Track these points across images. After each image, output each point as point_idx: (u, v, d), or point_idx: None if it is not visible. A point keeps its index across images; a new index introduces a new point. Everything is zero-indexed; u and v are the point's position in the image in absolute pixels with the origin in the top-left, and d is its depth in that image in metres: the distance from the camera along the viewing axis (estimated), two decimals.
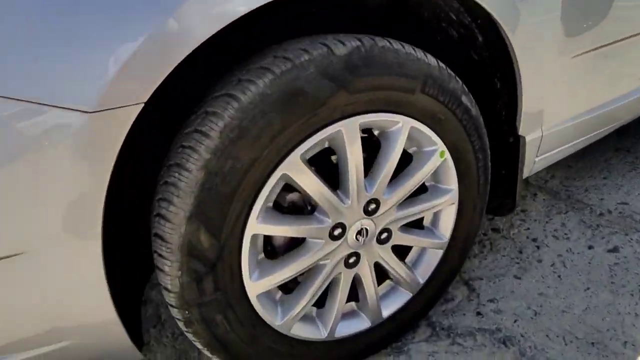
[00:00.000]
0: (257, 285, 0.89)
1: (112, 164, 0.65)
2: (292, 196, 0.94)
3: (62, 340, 0.78)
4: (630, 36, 1.26)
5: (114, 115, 0.61)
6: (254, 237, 0.85)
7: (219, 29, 0.67)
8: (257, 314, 0.92)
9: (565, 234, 1.57)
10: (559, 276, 1.40)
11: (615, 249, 1.48)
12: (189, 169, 0.74)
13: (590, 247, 1.50)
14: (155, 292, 1.61)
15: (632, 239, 1.52)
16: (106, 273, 0.74)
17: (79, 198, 0.66)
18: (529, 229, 1.61)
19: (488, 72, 1.06)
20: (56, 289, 0.73)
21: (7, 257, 0.65)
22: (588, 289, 1.35)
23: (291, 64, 0.75)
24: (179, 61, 0.65)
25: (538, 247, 1.52)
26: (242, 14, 0.68)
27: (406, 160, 1.00)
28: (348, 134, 0.85)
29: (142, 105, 0.63)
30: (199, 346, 0.92)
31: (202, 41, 0.66)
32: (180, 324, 0.88)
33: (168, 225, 0.77)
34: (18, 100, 0.59)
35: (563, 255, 1.48)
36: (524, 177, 1.25)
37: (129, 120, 0.63)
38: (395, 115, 0.89)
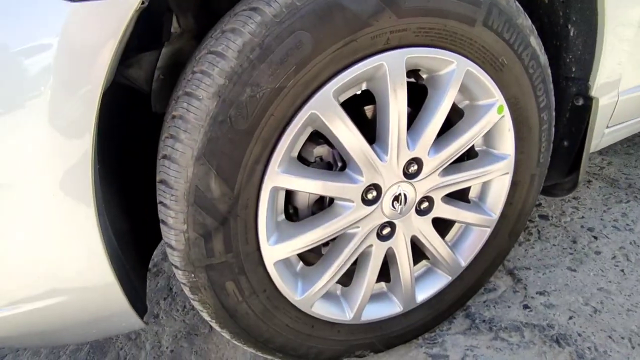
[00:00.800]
0: (275, 250, 0.76)
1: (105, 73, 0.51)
2: (320, 150, 0.81)
3: (57, 297, 0.71)
4: None
5: (102, 10, 0.48)
6: (274, 191, 0.72)
7: None
8: (274, 284, 0.79)
9: (628, 224, 1.38)
10: (622, 270, 1.21)
11: None
12: (199, 96, 0.61)
13: None
14: (168, 264, 1.51)
15: None
16: (105, 235, 0.65)
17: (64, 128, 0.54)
18: (583, 217, 1.43)
19: (560, 15, 0.88)
20: (50, 243, 0.65)
21: None
22: None
23: None
24: None
25: (595, 238, 1.33)
26: None
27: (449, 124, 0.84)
28: (392, 71, 0.70)
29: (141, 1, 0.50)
30: (206, 317, 0.80)
31: None
32: (186, 290, 0.76)
33: (173, 168, 0.64)
34: None
35: (626, 247, 1.29)
36: (590, 152, 1.07)
37: (123, 18, 0.50)
38: (449, 53, 0.74)
